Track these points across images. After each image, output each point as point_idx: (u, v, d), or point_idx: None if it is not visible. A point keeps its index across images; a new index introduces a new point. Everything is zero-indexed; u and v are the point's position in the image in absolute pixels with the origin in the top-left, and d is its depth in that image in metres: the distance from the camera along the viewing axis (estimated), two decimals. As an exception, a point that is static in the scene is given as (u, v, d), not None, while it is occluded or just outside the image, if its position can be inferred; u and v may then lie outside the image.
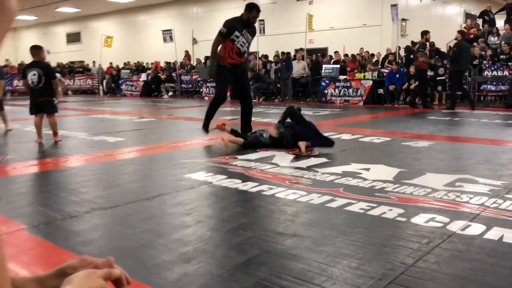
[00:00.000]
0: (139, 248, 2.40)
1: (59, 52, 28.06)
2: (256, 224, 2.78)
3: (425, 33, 11.09)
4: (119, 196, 3.43)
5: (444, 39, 15.38)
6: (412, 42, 14.51)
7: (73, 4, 23.43)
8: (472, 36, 14.59)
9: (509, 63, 11.77)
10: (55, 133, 6.26)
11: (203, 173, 4.12)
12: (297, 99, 15.10)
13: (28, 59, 6.58)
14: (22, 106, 11.45)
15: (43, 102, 6.11)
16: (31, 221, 2.86)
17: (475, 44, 13.58)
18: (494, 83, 11.97)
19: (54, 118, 6.24)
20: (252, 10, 5.86)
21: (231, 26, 5.81)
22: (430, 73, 11.92)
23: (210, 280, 2.03)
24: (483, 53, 12.90)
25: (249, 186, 3.62)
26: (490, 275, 2.01)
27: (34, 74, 6.02)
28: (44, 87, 6.05)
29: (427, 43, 11.34)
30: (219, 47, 5.95)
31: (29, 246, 2.49)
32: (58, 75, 9.51)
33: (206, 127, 6.20)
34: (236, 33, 5.81)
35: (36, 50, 6.15)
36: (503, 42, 13.39)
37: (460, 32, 11.11)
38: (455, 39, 11.03)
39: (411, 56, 14.05)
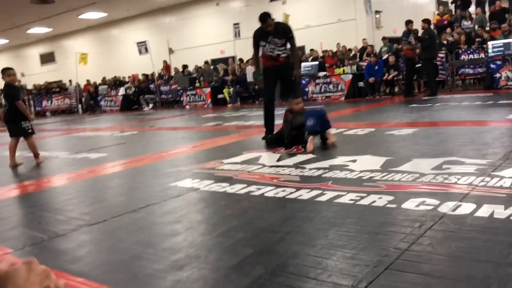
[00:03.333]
0: (129, 260, 2.35)
1: (33, 74, 27.70)
2: (247, 225, 2.74)
3: (407, 23, 11.26)
4: (105, 210, 3.36)
5: (419, 28, 15.53)
6: (384, 37, 14.62)
7: (44, 24, 23.15)
8: (446, 22, 14.77)
9: (484, 46, 11.93)
10: (35, 155, 6.11)
11: (190, 180, 4.07)
12: (279, 99, 15.10)
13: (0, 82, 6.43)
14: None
15: (12, 126, 6.00)
16: (16, 244, 2.78)
17: (448, 29, 13.78)
18: (472, 66, 12.12)
19: (30, 140, 6.06)
20: (260, 22, 6.00)
21: (255, 38, 6.10)
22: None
23: (204, 285, 1.98)
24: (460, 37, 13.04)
25: (237, 189, 3.58)
26: (484, 252, 2.01)
27: (2, 98, 5.93)
28: (9, 111, 5.93)
29: (412, 33, 11.43)
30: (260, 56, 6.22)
31: (15, 270, 2.41)
32: None
33: (265, 137, 6.05)
34: (262, 42, 6.04)
35: (2, 72, 6.01)
36: (476, 26, 13.59)
37: (425, 20, 11.18)
38: (422, 28, 11.14)
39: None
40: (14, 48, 29.71)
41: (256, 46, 6.07)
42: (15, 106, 5.90)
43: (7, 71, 6.02)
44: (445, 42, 13.04)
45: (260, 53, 6.15)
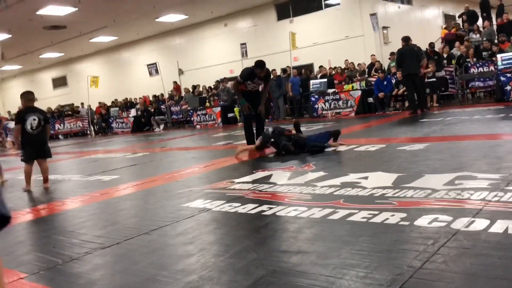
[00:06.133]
0: (143, 282, 2.36)
1: (46, 98, 28.15)
2: (259, 245, 2.74)
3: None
4: (118, 233, 3.38)
5: (426, 42, 15.58)
6: (392, 53, 14.68)
7: (56, 49, 23.63)
8: (459, 35, 14.75)
9: (493, 58, 11.90)
10: (46, 179, 6.16)
11: (201, 200, 4.08)
12: (291, 116, 15.17)
13: (15, 107, 6.56)
14: (8, 156, 11.40)
15: (42, 147, 6.13)
16: (31, 268, 2.80)
17: (457, 44, 13.78)
18: (482, 79, 12.08)
19: (46, 163, 6.22)
20: (257, 67, 7.27)
21: (245, 77, 7.43)
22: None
23: (217, 307, 1.98)
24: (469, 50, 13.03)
25: (248, 208, 3.58)
26: (500, 268, 1.98)
27: (34, 119, 6.05)
28: (43, 132, 6.12)
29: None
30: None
31: (30, 294, 2.43)
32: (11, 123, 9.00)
33: (250, 143, 7.47)
34: (248, 82, 7.44)
35: (32, 95, 6.27)
36: (484, 39, 13.58)
37: (403, 39, 11.18)
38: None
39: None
40: (27, 73, 30.31)
41: (242, 82, 7.41)
42: (46, 128, 6.17)
43: (33, 95, 6.32)
44: (463, 54, 12.98)
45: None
